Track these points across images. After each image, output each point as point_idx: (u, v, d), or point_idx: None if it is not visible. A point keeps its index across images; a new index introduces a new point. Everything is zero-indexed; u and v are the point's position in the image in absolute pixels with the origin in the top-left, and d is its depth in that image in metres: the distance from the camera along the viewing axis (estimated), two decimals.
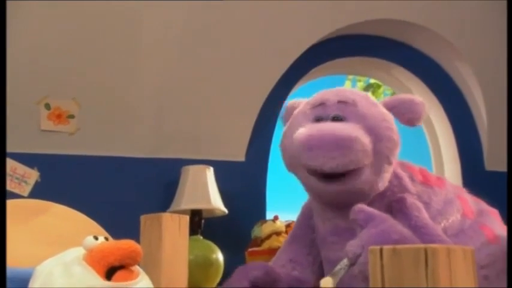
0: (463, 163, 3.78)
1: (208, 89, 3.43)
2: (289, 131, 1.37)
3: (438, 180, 1.44)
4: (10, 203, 1.40)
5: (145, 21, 3.23)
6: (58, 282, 0.96)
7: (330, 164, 1.22)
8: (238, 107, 3.49)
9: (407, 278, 0.72)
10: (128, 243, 1.00)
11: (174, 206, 3.12)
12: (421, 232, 1.22)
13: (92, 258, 0.98)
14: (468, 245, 1.28)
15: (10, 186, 3.11)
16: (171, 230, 1.24)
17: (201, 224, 3.12)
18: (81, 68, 3.24)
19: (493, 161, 3.76)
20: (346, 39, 3.70)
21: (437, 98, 3.84)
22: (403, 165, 1.40)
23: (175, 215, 1.28)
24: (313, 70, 3.71)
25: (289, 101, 1.50)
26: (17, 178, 3.16)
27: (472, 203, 1.47)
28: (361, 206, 1.17)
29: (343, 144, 1.21)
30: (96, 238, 1.02)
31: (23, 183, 3.16)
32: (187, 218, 1.31)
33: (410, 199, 1.32)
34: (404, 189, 1.35)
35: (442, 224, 1.33)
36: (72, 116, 3.29)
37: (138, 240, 1.10)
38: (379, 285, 0.74)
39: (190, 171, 3.20)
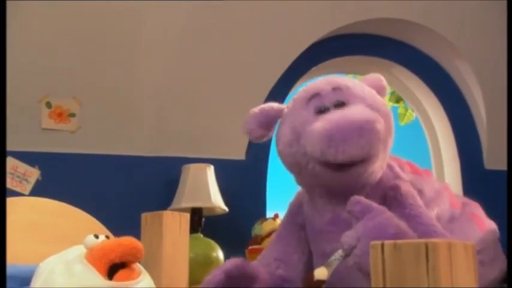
0: (462, 162, 3.78)
1: (208, 88, 3.43)
2: (289, 130, 1.34)
3: (426, 172, 1.45)
4: (11, 201, 1.41)
5: (146, 21, 3.24)
6: (59, 280, 0.95)
7: (360, 154, 1.19)
8: (239, 106, 3.48)
9: (408, 272, 0.72)
10: (128, 240, 1.00)
11: (174, 204, 3.12)
12: (415, 221, 1.21)
13: (93, 257, 0.97)
14: (462, 231, 1.30)
15: (11, 184, 3.12)
16: (172, 228, 1.24)
17: (201, 222, 3.12)
18: (82, 67, 3.25)
19: (493, 160, 3.76)
20: (346, 38, 3.70)
21: (437, 97, 3.84)
22: (391, 157, 1.40)
23: (176, 213, 1.28)
24: (313, 69, 3.71)
25: (259, 109, 1.48)
26: (18, 176, 3.16)
27: (456, 195, 1.49)
28: (358, 198, 1.15)
29: (367, 129, 1.17)
30: (96, 237, 1.01)
31: (24, 182, 3.17)
32: (187, 216, 1.31)
33: (405, 186, 1.30)
34: (397, 176, 1.35)
35: (435, 211, 1.33)
36: (73, 115, 3.29)
37: (139, 238, 1.10)
38: (380, 280, 0.74)
39: (191, 169, 3.20)
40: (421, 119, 4.02)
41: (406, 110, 5.55)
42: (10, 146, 2.94)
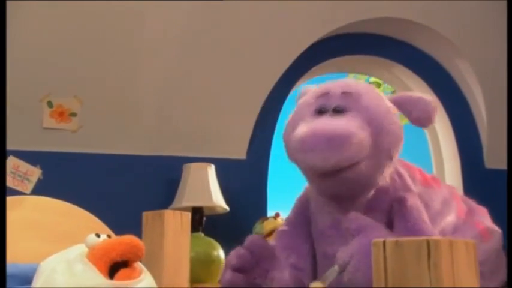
0: (463, 161, 3.79)
1: (209, 87, 3.44)
2: (292, 121, 1.34)
3: (434, 181, 1.42)
4: (13, 200, 1.41)
5: (146, 20, 3.24)
6: (60, 279, 0.95)
7: (322, 165, 1.19)
8: (240, 105, 3.50)
9: (409, 270, 0.72)
10: (129, 239, 0.99)
11: (175, 204, 3.13)
12: (416, 236, 1.21)
13: (94, 256, 0.97)
14: None
15: (13, 183, 3.12)
16: (173, 227, 1.25)
17: (202, 221, 3.13)
18: (83, 66, 3.25)
19: (493, 159, 3.76)
20: (347, 37, 3.71)
21: (437, 96, 3.83)
22: (401, 163, 1.38)
23: (177, 212, 1.28)
24: (313, 68, 3.71)
25: (304, 87, 1.47)
26: (19, 176, 3.17)
27: (462, 200, 1.47)
28: (355, 215, 1.15)
29: (336, 143, 1.17)
30: (98, 235, 1.01)
31: (26, 181, 3.17)
32: (189, 214, 1.31)
33: (412, 199, 1.29)
34: (407, 187, 1.33)
35: (440, 227, 1.32)
36: (74, 114, 3.30)
37: (140, 237, 1.10)
38: (382, 277, 0.74)
39: (192, 168, 3.21)
40: None
41: None
42: (11, 145, 2.94)
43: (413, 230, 1.21)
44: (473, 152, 3.79)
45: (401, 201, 1.28)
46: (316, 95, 1.32)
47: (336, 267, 1.11)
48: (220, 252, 2.97)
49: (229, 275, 1.26)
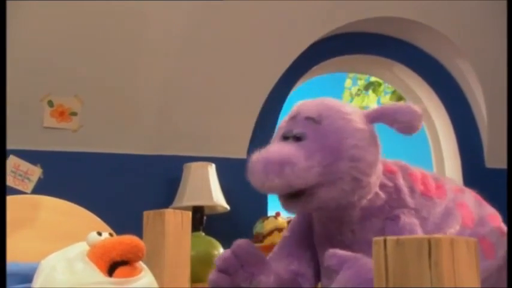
0: (463, 160, 3.79)
1: (210, 87, 3.44)
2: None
3: (439, 190, 1.39)
4: (13, 199, 1.41)
5: (147, 20, 3.25)
6: (60, 278, 0.95)
7: (259, 187, 1.26)
8: (240, 105, 3.50)
9: (410, 268, 0.72)
10: (130, 239, 0.99)
11: (176, 203, 3.13)
12: None
13: (95, 254, 0.97)
14: None
15: (14, 183, 3.13)
16: (174, 226, 1.25)
17: (203, 220, 3.13)
18: (84, 66, 3.25)
19: (493, 158, 3.77)
20: (347, 37, 3.71)
21: (437, 96, 3.85)
22: (405, 173, 1.37)
23: (178, 211, 1.28)
24: (314, 68, 3.72)
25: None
26: (20, 175, 3.17)
27: (474, 206, 1.42)
28: (333, 251, 1.16)
29: (270, 169, 1.23)
30: (99, 234, 1.01)
31: (26, 180, 3.18)
32: (189, 214, 1.31)
33: (405, 218, 1.29)
34: (403, 204, 1.32)
35: None
36: (74, 113, 3.30)
37: (140, 237, 1.10)
38: (383, 276, 0.74)
39: (192, 168, 3.21)
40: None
41: None
42: (12, 145, 2.95)
43: None
44: (474, 151, 3.80)
45: (393, 220, 1.29)
46: (287, 118, 1.36)
47: None
48: (221, 252, 2.97)
49: (214, 275, 1.28)
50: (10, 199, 1.36)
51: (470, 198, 1.44)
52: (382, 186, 1.31)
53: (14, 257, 1.17)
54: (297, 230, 1.45)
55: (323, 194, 1.23)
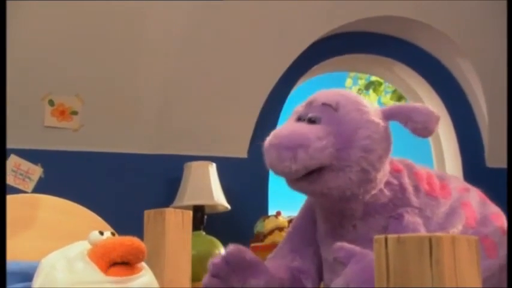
0: (464, 160, 3.79)
1: (210, 86, 3.44)
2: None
3: (443, 189, 1.39)
4: (14, 198, 1.41)
5: (147, 20, 3.25)
6: (59, 276, 0.95)
7: (280, 176, 1.27)
8: (241, 104, 3.50)
9: (411, 266, 0.72)
10: (131, 240, 0.98)
11: (177, 202, 3.13)
12: None
13: (95, 254, 0.96)
14: None
15: (14, 182, 3.13)
16: (174, 225, 1.25)
17: (203, 219, 3.13)
18: (85, 65, 3.26)
19: (494, 158, 3.76)
20: (347, 36, 3.71)
21: (438, 95, 3.84)
22: (410, 171, 1.37)
23: (179, 211, 1.28)
24: (314, 67, 3.72)
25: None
26: (21, 174, 3.18)
27: (478, 205, 1.41)
28: (341, 244, 1.17)
29: (286, 157, 1.23)
30: (101, 233, 1.00)
31: (27, 179, 3.18)
32: (190, 213, 1.31)
33: (409, 217, 1.29)
34: (407, 202, 1.32)
35: None
36: (75, 113, 3.30)
37: (141, 236, 1.10)
38: (384, 273, 0.74)
39: (193, 167, 3.21)
40: None
41: None
42: (13, 144, 2.96)
43: None
44: (475, 151, 3.79)
45: (397, 219, 1.29)
46: (304, 103, 1.36)
47: None
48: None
49: (207, 279, 1.31)
50: (10, 198, 1.36)
51: (475, 197, 1.44)
52: (387, 184, 1.31)
53: (14, 256, 1.17)
54: (300, 226, 1.45)
55: (329, 179, 1.24)
